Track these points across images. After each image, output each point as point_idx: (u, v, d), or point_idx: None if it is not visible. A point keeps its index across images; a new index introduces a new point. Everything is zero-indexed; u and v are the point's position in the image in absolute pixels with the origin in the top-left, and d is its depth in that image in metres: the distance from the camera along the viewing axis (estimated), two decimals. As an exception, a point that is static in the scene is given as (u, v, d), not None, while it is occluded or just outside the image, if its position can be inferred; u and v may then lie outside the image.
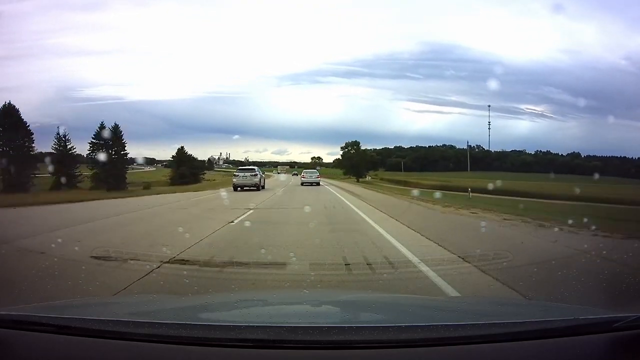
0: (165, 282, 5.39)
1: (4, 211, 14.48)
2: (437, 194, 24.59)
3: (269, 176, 49.17)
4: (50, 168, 40.78)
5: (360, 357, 1.68)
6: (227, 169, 67.00)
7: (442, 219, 13.35)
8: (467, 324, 1.94)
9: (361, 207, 17.05)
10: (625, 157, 67.15)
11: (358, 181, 61.13)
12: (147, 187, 40.15)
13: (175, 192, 27.76)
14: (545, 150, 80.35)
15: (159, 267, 6.06)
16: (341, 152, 77.23)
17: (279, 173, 71.49)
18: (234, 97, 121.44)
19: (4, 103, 41.22)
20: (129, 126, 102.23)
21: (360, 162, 72.68)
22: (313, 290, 4.66)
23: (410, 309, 2.75)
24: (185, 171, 57.21)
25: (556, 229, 10.20)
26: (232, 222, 11.44)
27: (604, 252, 7.34)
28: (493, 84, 72.70)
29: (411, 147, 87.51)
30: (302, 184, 35.80)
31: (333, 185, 38.95)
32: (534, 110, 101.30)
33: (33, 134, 43.15)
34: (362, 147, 75.62)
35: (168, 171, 63.52)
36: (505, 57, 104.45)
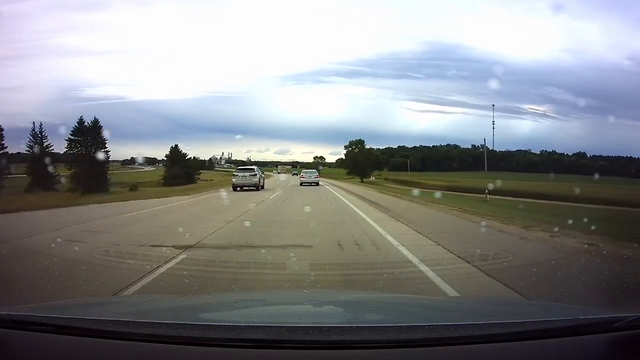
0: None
1: None
2: (453, 197, 23.29)
3: (268, 176, 48.68)
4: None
5: (360, 357, 1.68)
6: (229, 169, 66.44)
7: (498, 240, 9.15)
8: (467, 324, 1.94)
9: (375, 216, 13.47)
10: (631, 157, 66.90)
11: (362, 181, 59.58)
12: (134, 189, 36.34)
13: (159, 197, 22.55)
14: (550, 150, 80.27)
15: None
16: (345, 152, 75.32)
17: (278, 173, 71.01)
18: (237, 97, 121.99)
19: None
20: (132, 126, 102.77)
21: (364, 162, 70.29)
22: (313, 290, 4.67)
23: (410, 309, 2.75)
24: (179, 171, 54.01)
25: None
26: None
27: None
28: (495, 84, 72.98)
29: (415, 146, 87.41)
30: (301, 184, 35.80)
31: (336, 186, 36.48)
32: (537, 110, 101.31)
33: (3, 129, 41.56)
34: (367, 146, 73.63)
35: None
36: (507, 56, 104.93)
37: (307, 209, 15.01)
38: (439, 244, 8.27)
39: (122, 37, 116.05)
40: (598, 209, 18.04)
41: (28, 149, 44.20)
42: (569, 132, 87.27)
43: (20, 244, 8.28)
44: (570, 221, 10.12)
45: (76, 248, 7.61)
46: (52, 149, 45.06)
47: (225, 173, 65.18)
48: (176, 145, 60.61)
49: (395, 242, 8.44)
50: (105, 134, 43.35)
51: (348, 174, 70.60)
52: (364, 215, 13.66)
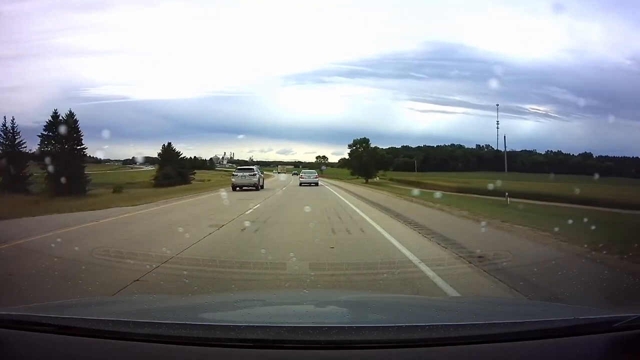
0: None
1: None
2: (470, 201, 20.57)
3: (268, 176, 48.12)
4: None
5: (360, 357, 1.68)
6: (230, 169, 65.37)
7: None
8: (467, 324, 1.94)
9: (390, 226, 11.25)
10: (637, 157, 66.51)
11: (367, 182, 57.67)
12: (118, 191, 33.13)
13: (136, 203, 18.08)
14: (556, 151, 79.85)
15: None
16: (348, 151, 72.57)
17: (278, 173, 70.44)
18: (239, 97, 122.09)
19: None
20: (133, 126, 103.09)
21: (369, 162, 67.41)
22: (313, 290, 4.67)
23: (410, 309, 2.75)
24: (171, 171, 50.46)
25: None
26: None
27: None
28: (497, 84, 72.66)
29: (419, 146, 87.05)
30: (300, 184, 35.68)
31: (341, 188, 33.52)
32: (539, 110, 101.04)
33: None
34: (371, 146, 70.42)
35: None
36: (509, 56, 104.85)
37: (310, 225, 11.06)
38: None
39: (124, 36, 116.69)
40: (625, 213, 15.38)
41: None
42: (571, 132, 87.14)
43: None
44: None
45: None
46: (25, 147, 40.94)
47: (225, 173, 64.67)
48: (169, 144, 57.46)
49: (441, 283, 5.65)
50: (82, 128, 39.51)
51: (352, 174, 68.55)
52: (379, 228, 10.73)
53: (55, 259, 6.61)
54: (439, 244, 8.54)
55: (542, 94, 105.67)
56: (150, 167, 75.37)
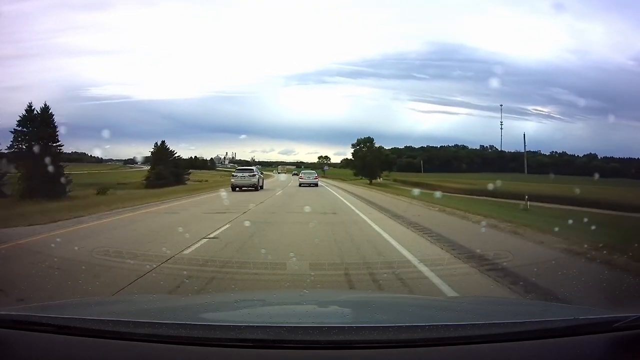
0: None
1: None
2: (485, 204, 18.67)
3: (268, 176, 47.65)
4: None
5: (360, 357, 1.68)
6: (231, 169, 64.17)
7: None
8: (467, 324, 1.94)
9: (402, 235, 9.94)
10: (640, 158, 66.10)
11: (371, 183, 55.53)
12: (102, 192, 30.29)
13: (114, 205, 16.44)
14: (561, 152, 79.50)
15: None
16: (352, 151, 69.35)
17: (279, 173, 69.92)
18: (241, 97, 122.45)
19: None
20: (135, 125, 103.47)
21: (373, 162, 64.48)
22: (313, 290, 4.68)
23: (410, 309, 2.75)
24: (163, 170, 47.11)
25: None
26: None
27: None
28: (500, 85, 72.32)
29: (422, 147, 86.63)
30: (300, 184, 35.47)
31: (345, 190, 31.04)
32: (541, 111, 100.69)
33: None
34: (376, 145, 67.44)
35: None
36: (511, 57, 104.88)
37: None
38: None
39: (125, 36, 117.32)
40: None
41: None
42: (574, 133, 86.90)
43: None
44: None
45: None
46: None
47: (224, 173, 64.00)
48: (162, 142, 53.59)
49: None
50: (59, 124, 35.38)
51: (355, 174, 66.26)
52: (396, 244, 8.80)
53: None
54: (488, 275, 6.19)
55: (544, 94, 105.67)
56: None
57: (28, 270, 6.23)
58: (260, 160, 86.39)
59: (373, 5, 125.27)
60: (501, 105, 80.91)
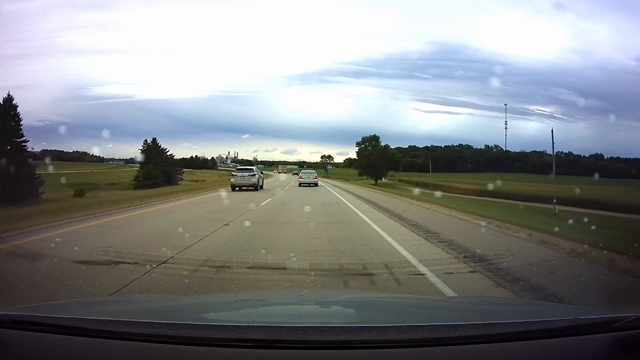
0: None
1: None
2: (508, 209, 16.84)
3: (268, 176, 47.17)
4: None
5: (360, 357, 1.69)
6: (231, 169, 63.95)
7: None
8: (467, 324, 1.94)
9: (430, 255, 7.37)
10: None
11: (376, 183, 53.98)
12: (80, 194, 26.97)
13: (77, 212, 13.44)
14: (567, 152, 79.07)
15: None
16: (355, 150, 67.61)
17: (279, 173, 69.26)
18: (244, 97, 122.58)
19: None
20: (138, 125, 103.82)
21: (379, 161, 62.28)
22: (313, 290, 4.67)
23: (410, 309, 2.75)
24: (153, 170, 44.02)
25: None
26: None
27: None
28: (502, 85, 71.92)
29: (426, 146, 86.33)
30: (299, 184, 35.37)
31: (351, 193, 27.57)
32: (543, 111, 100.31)
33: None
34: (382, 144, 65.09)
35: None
36: (514, 57, 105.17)
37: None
38: None
39: (129, 36, 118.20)
40: None
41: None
42: (578, 133, 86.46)
43: None
44: None
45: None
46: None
47: (224, 172, 63.35)
48: (154, 139, 50.78)
49: None
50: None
51: (360, 174, 64.77)
52: (411, 258, 7.22)
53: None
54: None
55: (547, 95, 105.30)
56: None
57: None
58: (262, 159, 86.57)
59: (376, 5, 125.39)
60: (505, 105, 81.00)
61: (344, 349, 1.69)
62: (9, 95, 31.65)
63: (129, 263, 6.27)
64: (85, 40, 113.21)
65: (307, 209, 15.63)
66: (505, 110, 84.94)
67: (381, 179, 61.66)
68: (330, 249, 7.98)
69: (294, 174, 55.92)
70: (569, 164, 71.38)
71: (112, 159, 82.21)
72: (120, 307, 2.81)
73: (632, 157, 70.09)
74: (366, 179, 60.96)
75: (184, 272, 5.92)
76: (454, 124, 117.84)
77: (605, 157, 73.26)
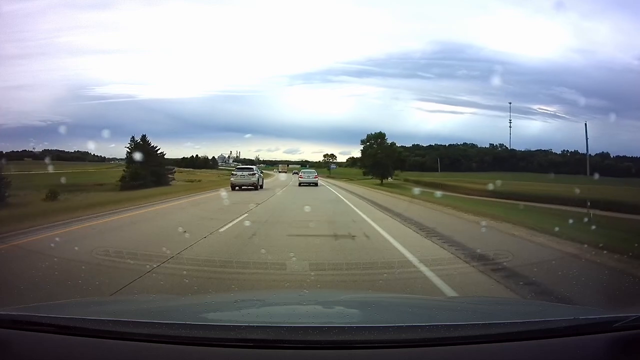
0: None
1: None
2: (537, 213, 14.71)
3: (269, 175, 46.65)
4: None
5: (360, 357, 1.68)
6: (232, 168, 63.31)
7: None
8: (467, 324, 1.94)
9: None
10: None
11: (382, 183, 51.56)
12: (52, 197, 24.05)
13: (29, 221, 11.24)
14: (573, 150, 78.52)
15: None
16: (359, 149, 64.01)
17: (279, 172, 68.51)
18: (246, 96, 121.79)
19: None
20: (140, 124, 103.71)
21: (386, 160, 58.89)
22: (313, 290, 4.67)
23: (410, 309, 2.75)
24: (140, 169, 40.01)
25: None
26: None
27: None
28: (505, 84, 71.47)
29: (430, 145, 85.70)
30: (299, 184, 34.99)
31: (358, 196, 24.30)
32: (546, 110, 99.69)
33: None
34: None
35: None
36: (517, 56, 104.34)
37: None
38: None
39: (131, 35, 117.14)
40: None
41: None
42: (580, 132, 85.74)
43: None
44: None
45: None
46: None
47: (224, 172, 62.21)
48: (143, 136, 45.87)
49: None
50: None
51: (365, 174, 61.97)
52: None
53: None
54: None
55: (550, 94, 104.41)
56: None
57: None
58: (265, 159, 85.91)
59: (377, 4, 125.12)
60: (510, 103, 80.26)
61: (344, 349, 1.69)
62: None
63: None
64: (86, 40, 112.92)
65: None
66: (510, 109, 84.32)
67: (387, 178, 59.38)
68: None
69: (294, 173, 54.83)
70: (574, 163, 70.92)
71: (114, 159, 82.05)
72: (120, 307, 2.81)
73: (637, 156, 69.58)
74: (371, 178, 58.88)
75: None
76: (457, 123, 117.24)
77: (612, 156, 72.75)
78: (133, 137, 45.37)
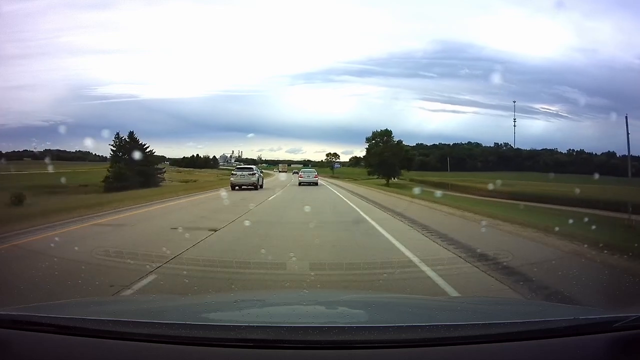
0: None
1: None
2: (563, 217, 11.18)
3: (268, 175, 46.34)
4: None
5: (360, 357, 1.68)
6: (233, 168, 62.31)
7: None
8: (467, 324, 1.94)
9: None
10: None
11: (387, 183, 49.79)
12: (18, 202, 21.25)
13: None
14: (579, 149, 78.07)
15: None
16: (363, 147, 62.07)
17: (279, 172, 67.93)
18: (248, 96, 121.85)
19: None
20: (142, 124, 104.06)
21: (392, 158, 56.05)
22: (313, 290, 4.66)
23: (410, 309, 2.75)
24: (125, 169, 36.89)
25: None
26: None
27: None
28: (507, 83, 71.14)
29: (434, 144, 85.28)
30: (299, 183, 34.93)
31: (367, 199, 21.02)
32: (549, 109, 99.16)
33: None
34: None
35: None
36: (519, 55, 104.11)
37: None
38: None
39: (132, 35, 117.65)
40: None
41: None
42: (583, 132, 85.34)
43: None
44: None
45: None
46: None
47: (224, 172, 61.90)
48: (131, 133, 42.96)
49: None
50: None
51: (369, 173, 59.88)
52: None
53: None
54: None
55: (552, 93, 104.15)
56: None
57: None
58: (267, 158, 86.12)
59: (379, 4, 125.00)
60: (514, 102, 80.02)
61: (344, 349, 1.69)
62: None
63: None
64: (87, 40, 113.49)
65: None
66: (514, 108, 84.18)
67: (393, 178, 57.02)
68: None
69: (294, 172, 53.65)
70: (580, 162, 70.54)
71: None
72: (120, 307, 2.82)
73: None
74: (376, 178, 56.71)
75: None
76: (459, 122, 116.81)
77: (618, 155, 72.30)
78: (118, 134, 42.20)
